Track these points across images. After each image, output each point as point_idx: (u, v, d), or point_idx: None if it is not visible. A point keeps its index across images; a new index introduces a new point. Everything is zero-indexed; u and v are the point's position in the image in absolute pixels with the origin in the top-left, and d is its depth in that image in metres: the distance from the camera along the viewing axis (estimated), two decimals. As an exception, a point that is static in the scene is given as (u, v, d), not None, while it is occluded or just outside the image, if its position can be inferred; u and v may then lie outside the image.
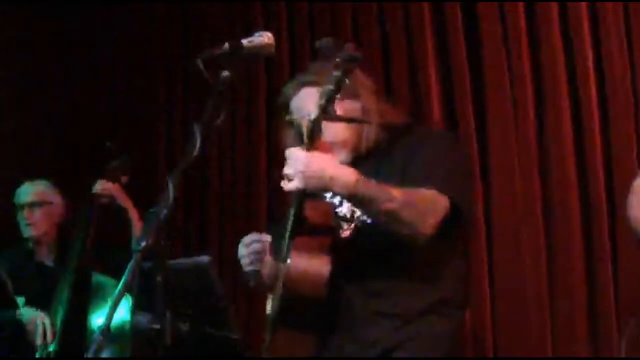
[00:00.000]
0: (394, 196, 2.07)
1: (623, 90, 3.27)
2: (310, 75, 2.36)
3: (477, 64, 3.64)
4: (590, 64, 3.35)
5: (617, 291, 3.23)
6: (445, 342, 2.26)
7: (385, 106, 2.36)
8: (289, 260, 2.08)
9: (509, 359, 3.44)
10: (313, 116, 1.89)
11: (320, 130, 1.92)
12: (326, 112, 1.90)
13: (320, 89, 1.87)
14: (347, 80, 1.86)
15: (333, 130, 2.27)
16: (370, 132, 2.28)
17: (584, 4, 3.37)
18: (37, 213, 3.69)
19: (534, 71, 3.50)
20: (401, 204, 2.08)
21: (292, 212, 2.09)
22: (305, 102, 2.30)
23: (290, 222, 2.09)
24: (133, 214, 3.55)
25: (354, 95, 2.31)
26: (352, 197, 2.11)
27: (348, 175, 2.05)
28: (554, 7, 3.44)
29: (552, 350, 3.36)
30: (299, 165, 1.99)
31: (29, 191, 3.75)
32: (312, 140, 1.93)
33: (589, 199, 3.33)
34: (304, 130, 1.92)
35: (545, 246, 3.42)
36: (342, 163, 2.21)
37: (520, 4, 3.53)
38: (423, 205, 2.11)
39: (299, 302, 2.12)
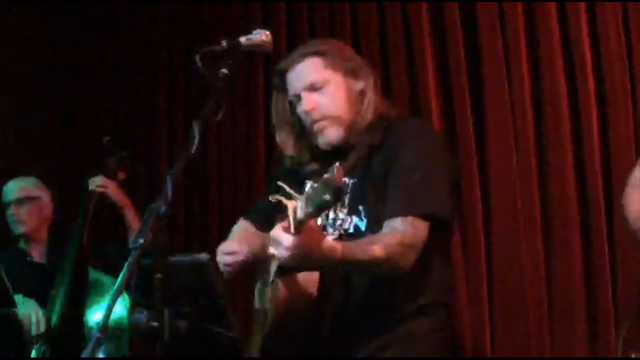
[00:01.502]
0: (377, 256, 2.11)
1: (622, 89, 3.27)
2: (317, 45, 2.40)
3: (475, 62, 3.64)
4: (589, 62, 3.35)
5: (615, 292, 3.23)
6: (430, 341, 2.29)
7: (380, 97, 2.39)
8: (279, 287, 2.15)
9: (508, 359, 3.43)
10: (300, 217, 1.91)
11: (305, 226, 1.96)
12: (311, 218, 1.95)
13: (316, 186, 1.89)
14: (334, 204, 1.92)
15: (334, 106, 2.30)
16: (366, 115, 2.31)
17: (582, 3, 3.38)
18: (25, 209, 3.70)
19: (532, 70, 3.50)
20: (383, 260, 2.12)
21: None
22: (309, 72, 2.35)
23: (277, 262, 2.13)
24: (129, 211, 3.55)
25: (356, 76, 2.35)
26: (338, 267, 2.16)
27: (331, 254, 2.07)
28: (552, 7, 3.44)
29: (551, 350, 3.36)
30: (284, 252, 2.00)
31: (15, 188, 3.76)
32: (298, 232, 1.96)
33: (588, 200, 3.33)
34: (291, 219, 1.94)
35: (543, 247, 3.42)
36: (334, 140, 2.28)
37: (519, 3, 3.53)
38: (403, 248, 2.16)
39: (291, 312, 2.17)
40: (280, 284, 2.15)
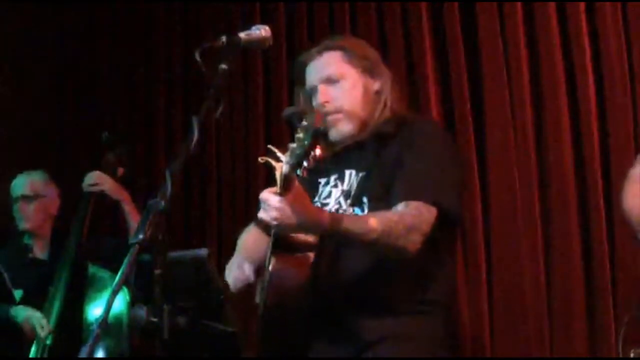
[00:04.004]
0: (373, 227, 2.08)
1: (621, 89, 3.27)
2: (338, 40, 2.43)
3: (475, 64, 3.65)
4: (589, 63, 3.35)
5: (615, 291, 3.23)
6: (427, 340, 2.26)
7: (398, 98, 2.39)
8: (271, 267, 2.12)
9: (507, 359, 3.43)
10: (285, 171, 1.92)
11: (293, 182, 1.96)
12: (295, 170, 1.94)
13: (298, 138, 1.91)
14: (314, 151, 1.93)
15: (349, 100, 2.30)
16: (381, 115, 2.31)
17: (582, 3, 3.38)
18: (32, 206, 3.70)
19: (532, 70, 3.51)
20: (380, 234, 2.09)
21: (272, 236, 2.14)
22: (328, 65, 2.36)
23: (271, 241, 2.12)
24: (128, 206, 3.55)
25: (373, 75, 2.38)
26: (331, 235, 2.12)
27: (321, 219, 2.06)
28: (552, 7, 3.44)
29: (550, 350, 3.36)
30: (273, 212, 2.00)
31: (23, 184, 3.75)
32: (285, 189, 1.95)
33: (587, 199, 3.33)
34: (277, 178, 1.95)
35: (543, 246, 3.42)
36: (346, 133, 2.27)
37: (519, 3, 3.54)
38: (404, 227, 2.12)
39: (285, 300, 2.15)
40: (274, 262, 2.13)
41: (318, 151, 1.85)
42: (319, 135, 1.89)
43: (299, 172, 1.86)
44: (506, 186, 3.49)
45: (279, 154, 1.94)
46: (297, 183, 1.98)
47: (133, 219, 3.51)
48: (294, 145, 1.90)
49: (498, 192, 3.51)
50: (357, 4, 4.04)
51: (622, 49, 3.28)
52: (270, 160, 1.94)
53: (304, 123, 1.89)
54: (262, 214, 2.04)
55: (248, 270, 2.29)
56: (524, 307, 3.40)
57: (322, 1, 4.16)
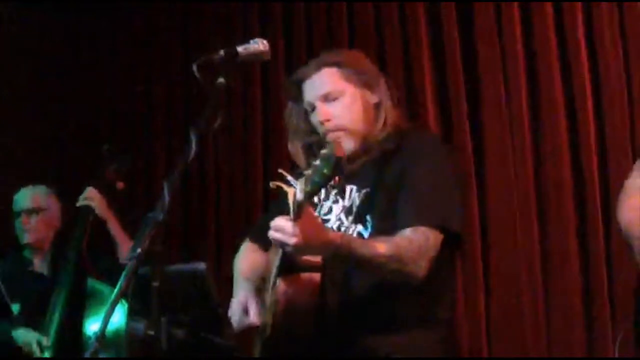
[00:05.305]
0: (381, 253, 2.07)
1: (618, 87, 3.29)
2: (333, 56, 2.38)
3: (472, 65, 3.66)
4: (585, 64, 3.37)
5: (612, 297, 3.24)
6: (436, 350, 2.26)
7: (398, 110, 2.38)
8: (278, 282, 2.11)
9: (507, 359, 3.43)
10: (299, 199, 1.88)
11: (306, 208, 1.93)
12: (310, 198, 1.93)
13: (307, 173, 1.88)
14: (334, 180, 1.90)
15: (348, 117, 2.29)
16: (381, 129, 2.30)
17: (578, 3, 3.39)
18: (34, 219, 3.68)
19: (529, 72, 3.52)
20: (388, 259, 2.08)
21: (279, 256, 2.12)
22: (325, 82, 2.33)
23: (278, 261, 2.11)
24: (113, 225, 3.55)
25: (372, 89, 2.34)
26: (339, 258, 2.11)
27: (332, 241, 2.04)
28: (549, 7, 3.45)
29: (548, 353, 3.37)
30: (289, 240, 1.97)
31: (26, 197, 3.74)
32: (298, 216, 1.93)
33: (585, 206, 3.35)
34: (290, 204, 1.91)
35: (540, 255, 3.42)
36: (349, 150, 2.24)
37: (515, 3, 3.54)
38: (413, 253, 2.11)
39: (293, 319, 2.13)
40: (281, 283, 2.12)
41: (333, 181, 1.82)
42: (340, 165, 1.85)
43: (315, 199, 1.82)
44: (503, 194, 3.50)
45: (290, 178, 1.92)
46: (309, 208, 1.96)
47: (119, 237, 3.53)
48: (309, 172, 1.87)
49: (496, 200, 3.53)
50: (355, 8, 4.04)
51: (618, 48, 3.30)
52: (281, 185, 1.92)
53: (324, 152, 1.85)
54: (273, 237, 2.01)
55: (253, 315, 2.27)
56: (521, 314, 3.42)
57: (320, 2, 4.16)
